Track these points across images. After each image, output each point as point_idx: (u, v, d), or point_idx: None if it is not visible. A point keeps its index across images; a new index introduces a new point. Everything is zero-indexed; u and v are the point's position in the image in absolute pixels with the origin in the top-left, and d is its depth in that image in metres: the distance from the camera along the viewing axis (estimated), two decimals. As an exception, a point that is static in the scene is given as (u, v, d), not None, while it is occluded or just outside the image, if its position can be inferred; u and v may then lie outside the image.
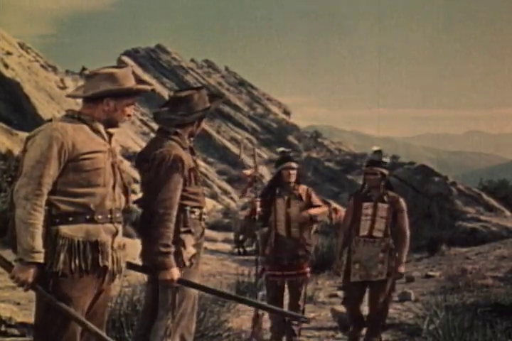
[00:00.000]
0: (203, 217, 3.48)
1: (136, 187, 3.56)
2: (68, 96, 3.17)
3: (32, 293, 2.69)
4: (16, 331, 4.91)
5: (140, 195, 3.45)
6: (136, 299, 4.66)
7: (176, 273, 3.19)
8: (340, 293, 8.02)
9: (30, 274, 2.57)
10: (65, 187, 2.67)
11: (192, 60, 55.99)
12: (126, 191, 2.87)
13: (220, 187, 40.02)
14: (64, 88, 41.86)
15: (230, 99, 49.50)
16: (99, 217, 2.72)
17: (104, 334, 2.76)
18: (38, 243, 2.56)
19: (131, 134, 42.51)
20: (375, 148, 5.16)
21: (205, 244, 4.75)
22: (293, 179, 5.11)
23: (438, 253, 13.82)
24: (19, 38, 47.52)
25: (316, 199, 5.18)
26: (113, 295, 4.21)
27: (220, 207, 32.21)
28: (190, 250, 3.33)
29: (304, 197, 5.10)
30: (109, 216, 2.75)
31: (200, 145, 41.52)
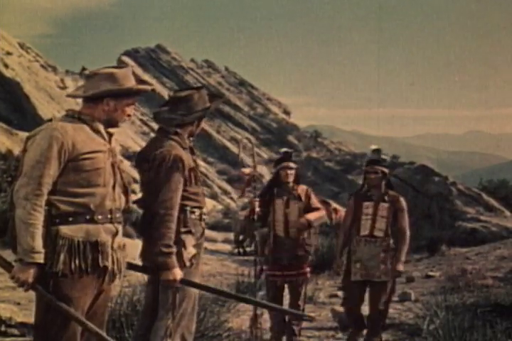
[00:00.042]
0: (203, 217, 3.48)
1: (136, 187, 3.56)
2: (68, 96, 3.16)
3: (32, 293, 2.69)
4: (15, 331, 4.91)
5: (140, 195, 3.45)
6: (136, 299, 4.66)
7: (178, 273, 3.19)
8: (340, 293, 8.02)
9: (30, 274, 2.57)
10: (65, 187, 2.67)
11: (192, 60, 55.98)
12: (126, 191, 2.87)
13: (220, 187, 40.01)
14: (64, 88, 41.85)
15: (230, 99, 49.49)
16: (99, 217, 2.72)
17: (104, 334, 2.76)
18: (38, 243, 2.56)
19: (131, 134, 42.51)
20: (373, 147, 5.16)
21: (205, 244, 4.74)
22: (291, 179, 5.10)
23: (438, 254, 13.83)
24: (19, 38, 47.53)
25: (315, 200, 5.16)
26: (113, 295, 4.21)
27: (220, 207, 32.21)
28: (190, 250, 3.33)
29: (303, 198, 5.09)
30: (109, 216, 2.75)
31: (200, 145, 41.52)
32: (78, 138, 2.70)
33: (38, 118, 33.73)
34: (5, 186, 13.33)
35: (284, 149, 5.39)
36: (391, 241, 4.94)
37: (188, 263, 3.31)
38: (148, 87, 3.07)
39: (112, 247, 2.77)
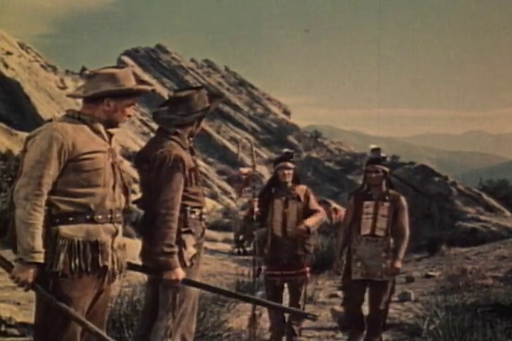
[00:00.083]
0: (203, 217, 3.48)
1: (136, 187, 3.56)
2: (69, 96, 3.17)
3: (32, 293, 2.69)
4: (15, 331, 4.91)
5: (140, 195, 3.45)
6: (136, 299, 4.66)
7: (180, 273, 3.19)
8: (340, 293, 8.02)
9: (30, 274, 2.58)
10: (65, 187, 2.67)
11: (192, 60, 55.98)
12: (126, 191, 2.88)
13: (220, 187, 40.02)
14: (64, 88, 41.86)
15: (230, 99, 49.51)
16: (99, 217, 2.72)
17: (104, 334, 2.76)
18: (38, 243, 2.57)
19: (131, 134, 42.51)
20: (373, 146, 5.16)
21: (205, 244, 4.75)
22: (288, 179, 5.10)
23: (438, 253, 13.84)
24: (19, 37, 47.51)
25: (313, 201, 5.15)
26: (113, 295, 4.21)
27: (220, 207, 32.21)
28: (190, 250, 3.33)
29: (302, 198, 5.08)
30: (109, 216, 2.75)
31: (200, 146, 41.52)
32: (78, 139, 2.70)
33: (38, 118, 33.74)
34: (5, 186, 13.33)
35: (286, 150, 5.39)
36: (391, 241, 4.94)
37: (188, 263, 3.31)
38: (149, 88, 3.07)
39: (112, 247, 2.77)
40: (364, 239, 4.95)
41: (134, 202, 3.22)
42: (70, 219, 2.66)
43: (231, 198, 37.55)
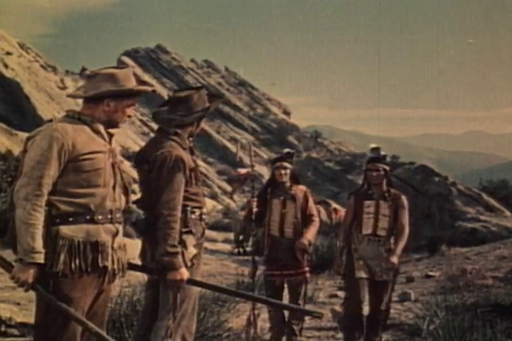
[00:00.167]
0: (203, 217, 3.49)
1: (136, 187, 3.57)
2: (69, 96, 3.17)
3: (32, 293, 2.69)
4: (15, 331, 4.91)
5: (140, 195, 3.45)
6: (136, 299, 4.67)
7: (185, 273, 3.20)
8: (340, 293, 8.02)
9: (30, 274, 2.58)
10: (65, 188, 2.67)
11: (192, 60, 55.99)
12: (126, 191, 2.88)
13: (220, 187, 40.03)
14: (64, 88, 41.87)
15: (230, 99, 49.52)
16: (100, 217, 2.72)
17: (104, 334, 2.76)
18: (38, 243, 2.57)
19: (131, 134, 42.52)
20: (373, 146, 5.16)
21: (205, 244, 4.75)
22: (285, 179, 5.10)
23: (438, 253, 13.85)
24: (19, 38, 47.55)
25: (311, 204, 5.12)
26: (113, 295, 4.21)
27: (220, 207, 32.22)
28: (191, 250, 3.33)
29: (300, 199, 5.08)
30: (109, 216, 2.76)
31: (200, 146, 41.54)
32: (78, 139, 2.70)
33: (38, 118, 33.76)
34: (5, 186, 13.33)
35: (287, 150, 5.39)
36: (392, 241, 4.93)
37: (189, 264, 3.31)
38: (149, 88, 3.07)
39: (112, 247, 2.77)
40: (366, 238, 4.93)
41: (134, 202, 3.22)
42: (70, 219, 2.66)
43: (231, 198, 37.56)
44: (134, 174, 3.60)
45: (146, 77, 48.67)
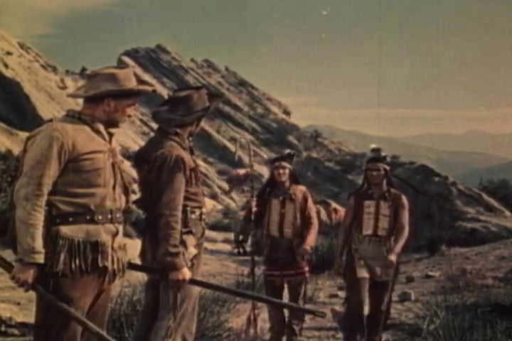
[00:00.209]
0: (203, 217, 3.49)
1: (136, 187, 3.56)
2: (69, 96, 3.17)
3: (32, 293, 2.69)
4: (15, 331, 4.91)
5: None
6: (136, 299, 4.66)
7: (187, 273, 3.20)
8: (340, 293, 8.03)
9: (30, 275, 2.57)
10: (66, 188, 2.67)
11: (192, 60, 56.03)
12: (126, 191, 2.88)
13: (220, 187, 40.04)
14: (64, 88, 41.89)
15: (230, 99, 49.54)
16: (100, 217, 2.72)
17: (104, 334, 2.76)
18: (38, 243, 2.57)
19: (131, 134, 42.53)
20: (373, 146, 5.16)
21: (205, 245, 4.75)
22: (284, 178, 5.09)
23: (438, 253, 13.84)
24: (19, 38, 47.61)
25: (310, 205, 5.12)
26: (113, 295, 4.21)
27: (220, 207, 32.24)
28: (191, 250, 3.33)
29: (299, 199, 5.07)
30: (109, 216, 2.75)
31: (200, 146, 41.56)
32: (78, 139, 2.70)
33: (38, 118, 33.77)
34: (5, 186, 13.32)
35: (288, 151, 5.39)
36: (392, 241, 4.92)
37: (189, 264, 3.31)
38: (149, 88, 3.07)
39: (113, 247, 2.77)
40: (366, 239, 4.93)
41: (134, 202, 3.21)
42: (70, 219, 2.66)
43: (231, 198, 37.57)
44: (134, 174, 3.59)
45: (146, 77, 48.68)
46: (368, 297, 5.00)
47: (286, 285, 5.15)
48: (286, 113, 53.29)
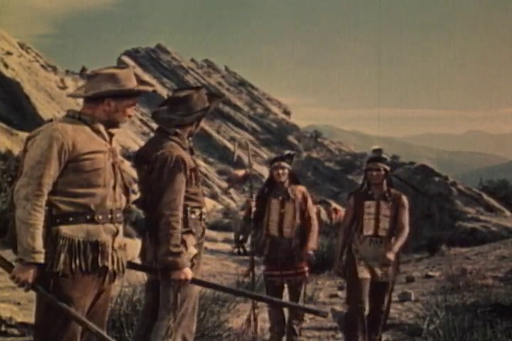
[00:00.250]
0: (203, 217, 3.49)
1: (136, 187, 3.56)
2: (69, 96, 3.17)
3: (32, 293, 2.69)
4: (16, 331, 4.91)
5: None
6: (136, 299, 4.66)
7: (189, 272, 3.20)
8: (340, 293, 8.03)
9: (30, 274, 2.58)
10: (66, 188, 2.67)
11: (192, 60, 56.02)
12: (126, 191, 2.88)
13: (220, 187, 40.02)
14: (64, 88, 41.89)
15: (230, 99, 49.54)
16: (100, 217, 2.72)
17: (105, 334, 2.77)
18: (39, 243, 2.57)
19: (131, 134, 42.52)
20: (375, 147, 5.16)
21: (205, 244, 4.75)
22: (283, 179, 5.10)
23: (438, 253, 13.83)
24: (19, 37, 47.60)
25: (310, 206, 5.12)
26: (113, 295, 4.21)
27: (220, 207, 32.20)
28: (191, 250, 3.34)
29: (299, 199, 5.08)
30: (109, 216, 2.75)
31: (200, 146, 41.54)
32: (78, 139, 2.70)
33: (38, 118, 33.76)
34: (5, 186, 13.30)
35: (288, 151, 5.40)
36: (393, 241, 4.92)
37: (189, 263, 3.31)
38: (149, 88, 3.07)
39: (113, 247, 2.77)
40: (367, 239, 4.92)
41: (134, 202, 3.22)
42: (71, 219, 2.66)
43: (231, 198, 37.56)
44: (134, 174, 3.59)
45: (146, 77, 48.67)
46: (368, 297, 5.00)
47: (286, 285, 5.15)
48: (286, 113, 53.28)
